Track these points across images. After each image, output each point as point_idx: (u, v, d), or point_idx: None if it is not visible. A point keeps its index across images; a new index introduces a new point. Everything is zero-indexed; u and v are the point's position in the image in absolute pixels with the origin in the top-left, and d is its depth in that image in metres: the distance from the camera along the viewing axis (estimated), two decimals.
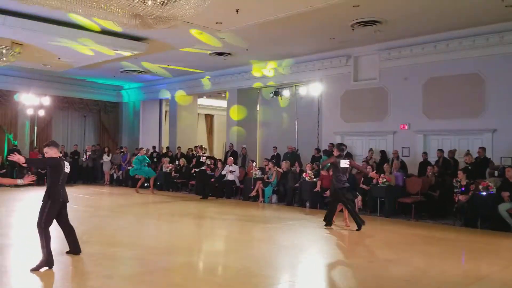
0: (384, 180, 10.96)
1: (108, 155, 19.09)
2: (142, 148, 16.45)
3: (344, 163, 8.68)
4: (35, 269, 5.36)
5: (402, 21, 11.14)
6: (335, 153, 8.83)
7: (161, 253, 6.54)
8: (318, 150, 14.84)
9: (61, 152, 17.85)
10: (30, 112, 18.89)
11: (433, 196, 10.74)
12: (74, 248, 6.12)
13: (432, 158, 12.33)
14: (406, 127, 13.18)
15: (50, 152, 5.77)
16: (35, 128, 19.54)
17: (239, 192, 14.43)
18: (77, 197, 13.53)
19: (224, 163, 15.87)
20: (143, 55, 14.39)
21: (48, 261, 5.45)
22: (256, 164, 14.72)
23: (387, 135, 13.58)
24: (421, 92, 12.83)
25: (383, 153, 13.33)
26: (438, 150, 12.17)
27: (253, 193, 13.53)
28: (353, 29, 11.51)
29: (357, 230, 8.45)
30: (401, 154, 12.95)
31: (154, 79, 19.86)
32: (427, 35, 12.29)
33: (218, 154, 22.97)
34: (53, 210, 5.66)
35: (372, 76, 13.80)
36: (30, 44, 12.62)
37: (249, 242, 7.80)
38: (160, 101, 22.17)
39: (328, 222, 8.95)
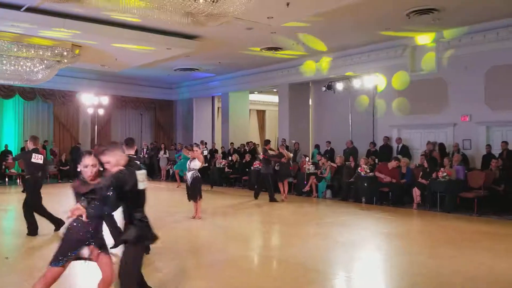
0: (445, 174, 10.57)
1: (164, 152, 19.64)
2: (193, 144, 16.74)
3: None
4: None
5: (462, 8, 10.65)
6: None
7: (217, 247, 6.65)
8: (374, 144, 14.54)
9: None
10: (90, 111, 19.80)
11: (498, 190, 10.25)
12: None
13: (496, 150, 11.76)
14: (467, 119, 12.63)
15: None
16: (96, 126, 20.46)
17: (292, 187, 14.43)
18: None
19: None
20: (196, 53, 14.66)
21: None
22: (309, 159, 14.63)
23: (446, 127, 13.08)
24: (483, 82, 12.24)
25: (441, 146, 12.86)
26: (503, 142, 11.58)
27: (307, 188, 13.47)
28: (409, 18, 11.15)
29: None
30: (462, 147, 12.43)
31: (206, 76, 20.18)
32: (488, 21, 11.69)
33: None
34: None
35: (430, 66, 13.32)
36: (88, 46, 13.21)
37: (304, 237, 7.77)
38: (213, 97, 22.50)
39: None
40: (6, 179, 16.85)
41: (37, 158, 7.26)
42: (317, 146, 16.90)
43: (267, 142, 13.64)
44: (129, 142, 5.59)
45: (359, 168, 12.40)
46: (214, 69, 18.49)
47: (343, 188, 12.88)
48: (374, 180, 11.96)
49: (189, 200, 9.23)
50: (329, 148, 15.80)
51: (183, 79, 21.08)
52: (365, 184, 11.98)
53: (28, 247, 6.59)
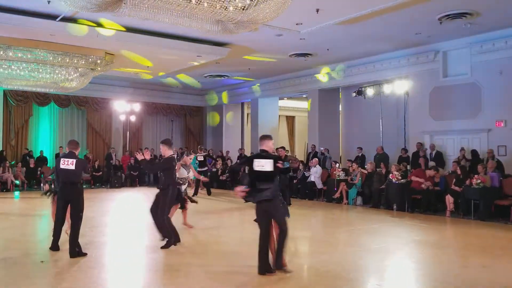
0: (479, 181, 10.32)
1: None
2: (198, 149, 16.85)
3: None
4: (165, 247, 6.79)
5: (495, 11, 10.41)
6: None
7: (247, 253, 6.69)
8: (405, 150, 14.32)
9: (152, 155, 18.80)
10: (122, 117, 20.24)
11: None
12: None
13: None
14: (502, 125, 12.30)
15: (166, 150, 7.03)
16: (127, 133, 20.88)
17: (322, 194, 14.40)
18: None
19: (306, 164, 15.88)
20: (225, 60, 14.82)
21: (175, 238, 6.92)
22: (339, 165, 14.53)
23: (480, 133, 12.76)
24: None
25: (475, 152, 12.55)
26: None
27: (337, 194, 13.38)
28: (441, 23, 10.98)
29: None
30: (496, 153, 12.10)
31: (236, 83, 20.33)
32: None
33: (300, 155, 22.97)
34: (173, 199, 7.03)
35: (463, 71, 13.05)
36: (121, 54, 13.54)
37: (334, 244, 7.74)
38: (242, 104, 22.65)
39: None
40: (42, 185, 17.31)
41: (67, 164, 6.49)
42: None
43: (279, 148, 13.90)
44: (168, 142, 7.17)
45: (390, 174, 12.24)
46: (244, 75, 18.63)
47: (374, 195, 12.73)
48: (406, 187, 11.78)
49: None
50: (360, 154, 15.65)
51: (213, 86, 21.30)
52: (397, 191, 11.82)
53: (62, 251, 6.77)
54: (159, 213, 6.87)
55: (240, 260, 6.28)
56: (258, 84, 18.43)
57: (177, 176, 7.54)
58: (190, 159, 8.88)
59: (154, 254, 6.61)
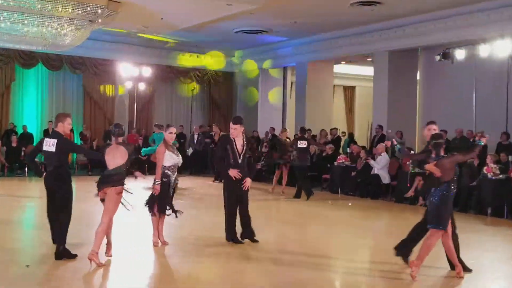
0: None
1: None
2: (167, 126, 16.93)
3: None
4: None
5: None
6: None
7: (287, 267, 6.82)
8: (507, 135, 13.97)
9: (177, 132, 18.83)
10: (129, 85, 20.55)
11: None
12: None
13: None
14: None
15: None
16: (135, 105, 21.22)
17: (390, 191, 14.28)
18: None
19: (370, 151, 15.74)
20: (263, 10, 14.72)
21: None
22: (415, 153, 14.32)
23: None
24: None
25: None
26: None
27: (410, 193, 13.19)
28: None
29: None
30: None
31: (277, 41, 20.24)
32: None
33: (362, 138, 22.77)
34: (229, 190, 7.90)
35: None
36: (129, 2, 13.65)
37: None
38: (284, 69, 22.57)
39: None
40: (26, 169, 17.82)
41: (48, 145, 6.91)
42: (350, 135, 16.64)
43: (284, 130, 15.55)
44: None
45: (485, 168, 12.00)
46: (287, 31, 18.50)
47: (461, 194, 12.51)
48: (505, 185, 11.57)
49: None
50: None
51: (246, 45, 21.27)
52: (493, 190, 11.62)
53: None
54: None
55: None
56: (240, 55, 18.10)
57: (164, 163, 7.55)
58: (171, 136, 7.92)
59: (162, 259, 6.93)
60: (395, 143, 7.36)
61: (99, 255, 6.51)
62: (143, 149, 16.39)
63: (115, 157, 6.69)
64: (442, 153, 6.39)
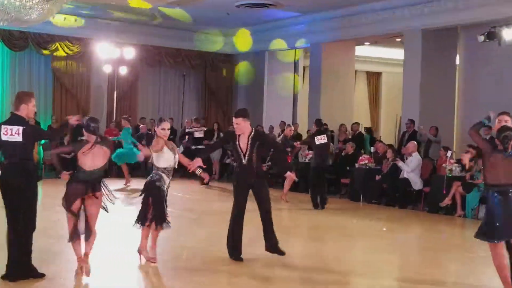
0: None
1: (218, 135, 19.77)
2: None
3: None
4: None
5: None
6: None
7: (301, 286, 6.90)
8: None
9: (149, 129, 18.96)
10: (107, 69, 20.55)
11: None
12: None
13: None
14: None
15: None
16: (115, 93, 21.25)
17: (422, 198, 14.32)
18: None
19: (398, 151, 15.83)
20: None
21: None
22: (452, 153, 14.34)
23: None
24: None
25: None
26: None
27: (447, 201, 13.23)
28: None
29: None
30: None
31: (287, 17, 20.21)
32: None
33: (388, 136, 22.78)
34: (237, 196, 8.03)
35: None
36: None
37: (438, 278, 7.76)
38: (295, 52, 22.56)
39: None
40: None
41: (10, 133, 6.60)
42: (369, 130, 16.60)
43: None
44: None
45: None
46: (299, 5, 18.52)
47: None
48: None
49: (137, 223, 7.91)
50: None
51: (249, 21, 21.30)
52: None
53: None
54: None
55: None
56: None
57: (156, 164, 7.57)
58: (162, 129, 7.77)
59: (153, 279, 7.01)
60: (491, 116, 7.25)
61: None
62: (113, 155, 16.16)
63: (96, 157, 6.75)
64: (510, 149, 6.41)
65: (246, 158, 7.99)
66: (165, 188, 7.59)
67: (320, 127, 14.21)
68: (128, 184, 16.57)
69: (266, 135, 13.84)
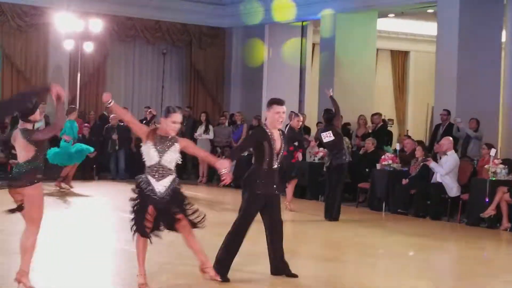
0: None
1: (206, 128, 19.81)
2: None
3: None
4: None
5: None
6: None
7: None
8: None
9: (121, 120, 18.88)
10: (69, 45, 20.34)
11: None
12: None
13: None
14: None
15: None
16: (78, 75, 21.01)
17: (459, 208, 14.16)
18: None
19: (430, 148, 15.69)
20: None
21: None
22: (497, 152, 14.22)
23: None
24: None
25: None
26: None
27: (490, 211, 13.15)
28: None
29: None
30: None
31: None
32: None
33: (417, 130, 22.64)
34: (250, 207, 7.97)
35: None
36: None
37: None
38: (302, 27, 22.62)
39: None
40: None
41: None
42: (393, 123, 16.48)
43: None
44: None
45: None
46: None
47: None
48: None
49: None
50: None
51: None
52: None
53: None
54: None
55: None
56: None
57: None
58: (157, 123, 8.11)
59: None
60: None
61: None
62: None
63: (21, 149, 6.73)
64: None
65: (278, 160, 7.95)
66: (150, 193, 7.33)
67: (329, 120, 14.00)
68: (62, 186, 16.47)
69: (292, 129, 14.13)
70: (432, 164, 14.32)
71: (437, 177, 14.28)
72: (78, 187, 16.60)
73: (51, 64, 21.07)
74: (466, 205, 14.00)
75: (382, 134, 18.17)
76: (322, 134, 13.76)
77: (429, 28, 20.39)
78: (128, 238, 7.52)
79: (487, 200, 13.23)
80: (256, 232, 8.33)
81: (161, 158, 7.34)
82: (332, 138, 13.53)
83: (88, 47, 20.57)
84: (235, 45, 23.53)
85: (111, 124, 18.89)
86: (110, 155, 19.66)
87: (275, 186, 7.99)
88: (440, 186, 14.16)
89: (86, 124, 19.25)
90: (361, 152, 16.86)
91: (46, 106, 16.70)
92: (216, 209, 14.02)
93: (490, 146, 14.47)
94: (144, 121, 19.50)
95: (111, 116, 19.24)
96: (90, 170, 19.14)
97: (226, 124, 20.45)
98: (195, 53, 23.29)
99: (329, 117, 13.98)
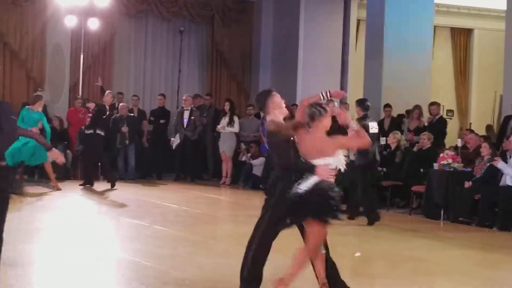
0: None
1: (231, 119, 19.82)
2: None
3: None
4: None
5: None
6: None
7: None
8: None
9: (130, 110, 18.99)
10: (70, 23, 20.50)
11: None
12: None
13: None
14: None
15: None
16: (81, 56, 21.23)
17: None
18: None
19: (498, 145, 15.68)
20: None
21: None
22: None
23: None
24: None
25: None
26: None
27: None
28: None
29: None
30: None
31: None
32: None
33: (483, 123, 22.54)
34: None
35: None
36: None
37: None
38: (345, 0, 22.67)
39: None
40: None
41: None
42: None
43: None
44: None
45: None
46: None
47: None
48: None
49: None
50: None
51: None
52: None
53: None
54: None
55: None
56: None
57: None
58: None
59: None
60: None
61: None
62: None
63: None
64: None
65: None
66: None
67: (367, 111, 14.10)
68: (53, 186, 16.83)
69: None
70: (500, 165, 14.19)
71: (507, 180, 14.11)
72: (78, 188, 16.81)
73: (50, 43, 21.22)
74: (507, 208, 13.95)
75: (440, 127, 18.04)
76: (370, 123, 13.67)
77: (497, 1, 20.27)
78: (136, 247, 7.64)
79: None
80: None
81: None
82: (377, 131, 13.72)
83: (93, 24, 20.67)
84: (265, 21, 23.55)
85: (119, 115, 18.81)
86: (118, 151, 19.54)
87: None
88: (510, 190, 14.02)
89: (89, 115, 19.29)
90: (415, 149, 16.76)
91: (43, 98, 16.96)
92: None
93: None
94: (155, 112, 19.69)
95: (121, 105, 19.25)
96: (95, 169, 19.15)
97: (252, 115, 20.32)
98: (218, 31, 23.39)
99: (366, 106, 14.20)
